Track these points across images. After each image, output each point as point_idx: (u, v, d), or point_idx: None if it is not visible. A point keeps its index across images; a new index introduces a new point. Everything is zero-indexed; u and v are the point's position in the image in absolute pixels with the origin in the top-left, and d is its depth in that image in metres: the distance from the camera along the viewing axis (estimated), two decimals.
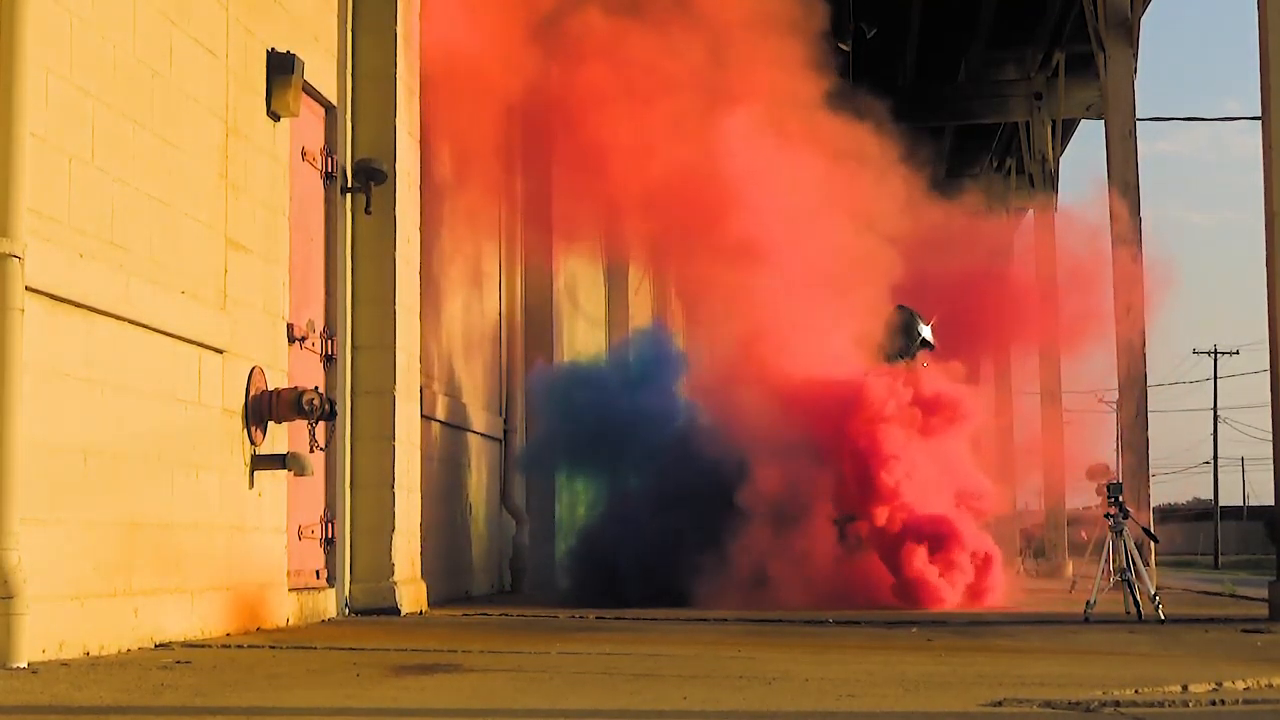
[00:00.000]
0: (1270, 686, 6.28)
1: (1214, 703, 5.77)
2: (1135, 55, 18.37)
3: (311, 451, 9.68)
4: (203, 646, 7.63)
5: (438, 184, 12.49)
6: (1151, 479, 17.85)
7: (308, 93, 9.89)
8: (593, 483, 15.39)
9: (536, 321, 16.72)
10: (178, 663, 6.75)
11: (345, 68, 10.65)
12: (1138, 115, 18.28)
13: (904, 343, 15.08)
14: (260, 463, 8.93)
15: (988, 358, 30.55)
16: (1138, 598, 11.05)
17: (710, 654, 7.64)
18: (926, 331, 15.37)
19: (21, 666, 6.24)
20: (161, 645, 7.55)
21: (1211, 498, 79.42)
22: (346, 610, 10.34)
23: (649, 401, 14.65)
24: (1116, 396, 18.66)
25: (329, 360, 10.37)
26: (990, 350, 27.96)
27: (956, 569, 13.19)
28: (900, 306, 15.41)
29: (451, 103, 12.38)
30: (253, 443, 8.87)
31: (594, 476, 15.27)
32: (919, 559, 13.10)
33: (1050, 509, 24.95)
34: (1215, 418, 77.98)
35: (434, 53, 11.68)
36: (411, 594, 10.73)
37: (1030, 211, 25.47)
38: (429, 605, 11.16)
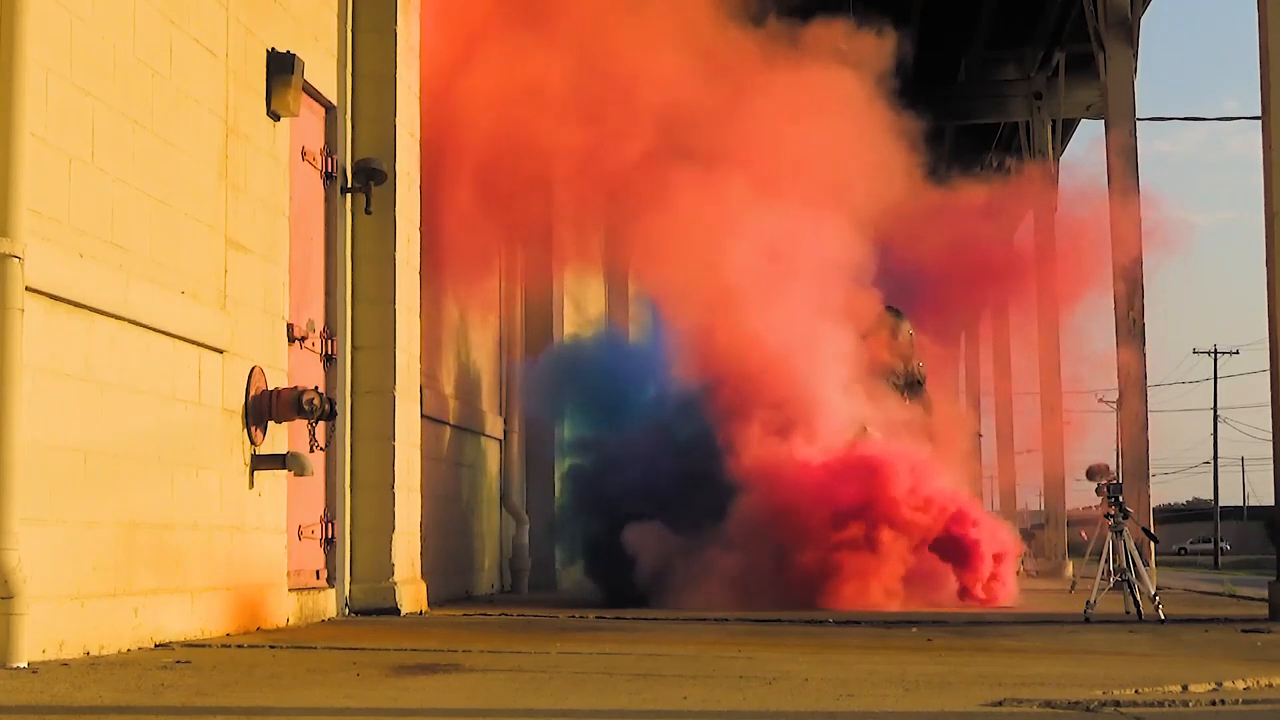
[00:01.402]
0: (1270, 686, 6.28)
1: (1214, 703, 5.77)
2: (1135, 55, 18.38)
3: (311, 451, 9.68)
4: (203, 646, 7.63)
5: (439, 185, 12.47)
6: (1151, 479, 17.85)
7: (308, 93, 9.89)
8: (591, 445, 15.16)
9: (536, 321, 16.73)
10: (178, 663, 6.75)
11: (345, 68, 10.65)
12: (1138, 115, 18.29)
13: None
14: (260, 463, 8.93)
15: (985, 343, 30.62)
16: (1138, 598, 11.05)
17: (710, 654, 7.64)
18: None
19: (21, 666, 6.24)
20: (161, 645, 7.54)
21: (1211, 498, 79.49)
22: (346, 610, 10.34)
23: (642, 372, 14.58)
24: (1116, 396, 18.67)
25: (329, 360, 10.37)
26: (981, 316, 27.99)
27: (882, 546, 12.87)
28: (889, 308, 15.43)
29: (452, 107, 12.37)
30: (253, 443, 8.87)
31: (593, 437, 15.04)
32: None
33: (1050, 509, 24.97)
34: (1215, 418, 78.04)
35: (435, 52, 11.67)
36: (411, 594, 10.73)
37: (1030, 212, 25.44)
38: (429, 605, 11.16)
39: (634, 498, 13.23)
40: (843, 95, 13.71)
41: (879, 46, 14.14)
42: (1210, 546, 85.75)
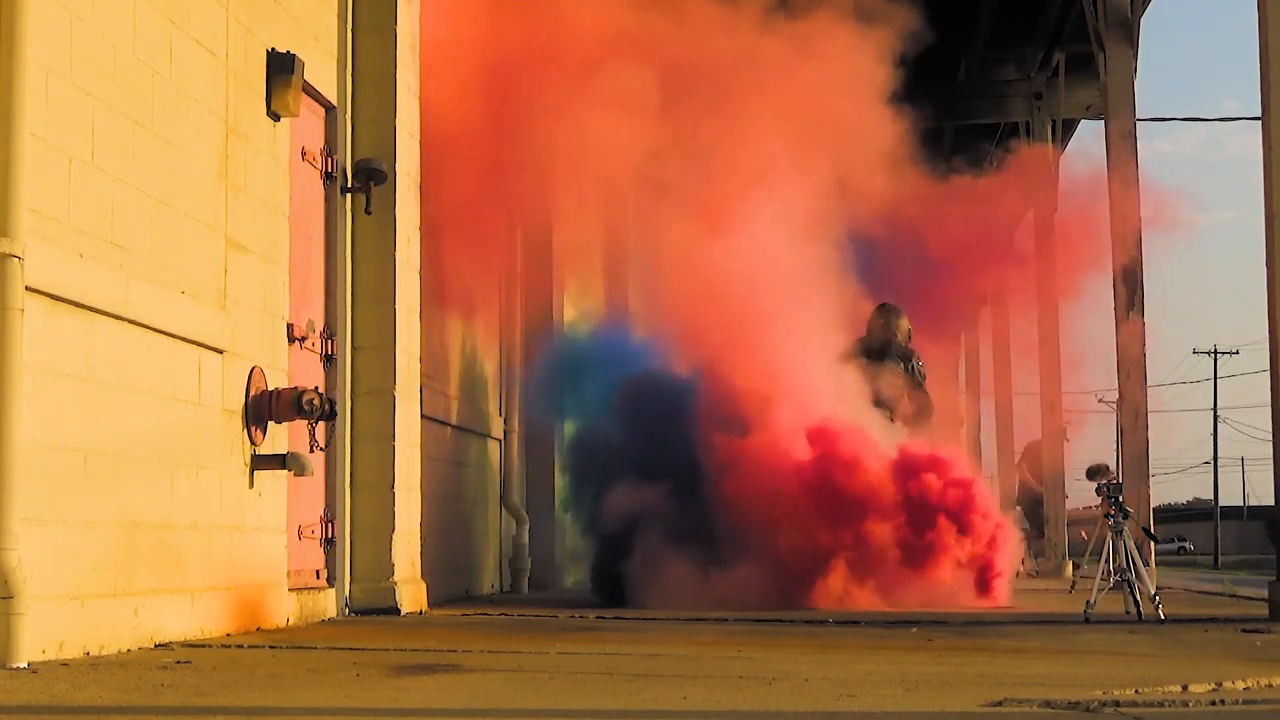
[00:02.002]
0: (1270, 686, 6.28)
1: (1214, 703, 5.77)
2: (1135, 55, 18.37)
3: (311, 451, 9.68)
4: (203, 646, 7.63)
5: (439, 185, 12.46)
6: (1151, 479, 17.84)
7: (308, 93, 9.89)
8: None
9: (537, 320, 16.71)
10: (178, 663, 6.75)
11: (345, 68, 10.65)
12: (1138, 115, 18.28)
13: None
14: (260, 463, 8.93)
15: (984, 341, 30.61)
16: (1138, 598, 11.05)
17: (710, 654, 7.64)
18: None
19: (21, 666, 6.25)
20: (161, 645, 7.55)
21: (1211, 497, 79.52)
22: (346, 610, 10.34)
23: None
24: (1116, 396, 18.66)
25: (329, 360, 10.37)
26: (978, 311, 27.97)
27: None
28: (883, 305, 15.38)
29: (451, 102, 12.35)
30: (253, 443, 8.87)
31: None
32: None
33: (1050, 509, 24.95)
34: (1215, 418, 78.08)
35: (433, 47, 11.66)
36: (411, 594, 10.73)
37: (1030, 212, 25.43)
38: (429, 605, 11.16)
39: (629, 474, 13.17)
40: (853, 48, 13.55)
41: (904, 17, 14.01)
42: (1174, 546, 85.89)
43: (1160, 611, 10.92)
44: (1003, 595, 13.34)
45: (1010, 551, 13.70)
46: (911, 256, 19.62)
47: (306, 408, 9.10)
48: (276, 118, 9.33)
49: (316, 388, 9.54)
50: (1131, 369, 17.73)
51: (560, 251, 16.94)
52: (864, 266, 14.79)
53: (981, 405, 30.56)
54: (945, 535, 12.88)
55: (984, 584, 13.16)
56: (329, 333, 10.38)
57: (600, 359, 15.31)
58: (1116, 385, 18.02)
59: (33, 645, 6.40)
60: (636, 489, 13.01)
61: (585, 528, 14.05)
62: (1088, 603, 11.05)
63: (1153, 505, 18.07)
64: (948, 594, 12.86)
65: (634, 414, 13.60)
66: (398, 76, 10.82)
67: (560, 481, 16.33)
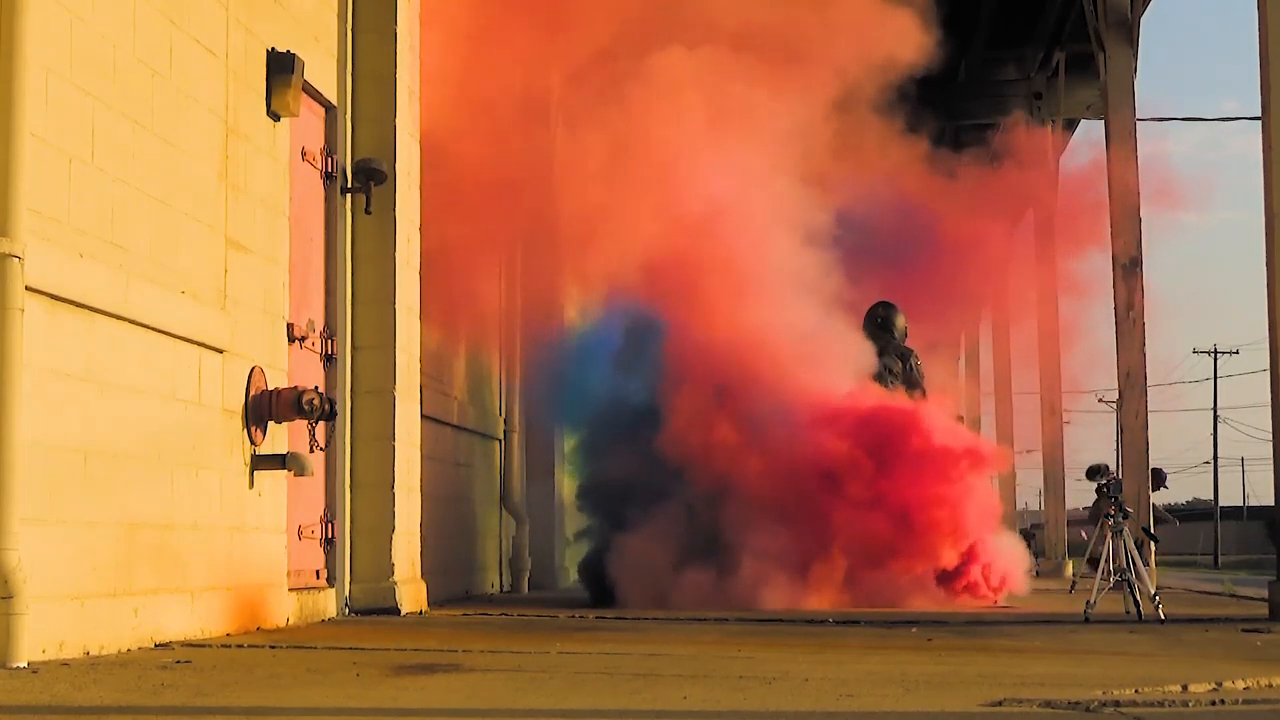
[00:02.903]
0: (1270, 686, 6.28)
1: (1214, 703, 5.77)
2: (1135, 55, 18.37)
3: (311, 451, 9.68)
4: (203, 646, 7.63)
5: (439, 185, 12.45)
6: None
7: (308, 93, 9.89)
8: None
9: (536, 319, 16.69)
10: (178, 663, 6.75)
11: (345, 68, 10.65)
12: (1138, 115, 18.28)
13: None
14: (260, 463, 8.93)
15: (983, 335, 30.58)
16: (1138, 598, 11.05)
17: (710, 654, 7.65)
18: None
19: (21, 666, 6.25)
20: (161, 645, 7.55)
21: (1211, 498, 79.46)
22: (346, 610, 10.34)
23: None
24: (1116, 396, 18.66)
25: (329, 360, 10.37)
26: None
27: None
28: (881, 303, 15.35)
29: (453, 104, 12.34)
30: (253, 443, 8.87)
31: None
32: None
33: (1050, 509, 24.97)
34: (1215, 418, 78.01)
35: (435, 51, 11.65)
36: (411, 594, 10.73)
37: (1030, 211, 25.43)
38: (429, 605, 11.17)
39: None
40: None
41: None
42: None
43: (1160, 611, 10.93)
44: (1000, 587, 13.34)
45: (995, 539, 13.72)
46: (910, 248, 19.63)
47: (306, 408, 9.10)
48: (276, 118, 9.33)
49: (316, 388, 9.54)
50: (1132, 368, 17.72)
51: (561, 250, 16.89)
52: (860, 258, 14.78)
53: (982, 405, 30.54)
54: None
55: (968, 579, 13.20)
56: (329, 332, 10.38)
57: (601, 357, 15.30)
58: (1116, 385, 18.02)
59: (33, 645, 6.40)
60: (632, 450, 13.03)
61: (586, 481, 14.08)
62: (1088, 603, 11.06)
63: (1152, 505, 18.07)
64: (927, 576, 12.90)
65: (631, 372, 13.64)
66: (398, 76, 10.82)
67: (565, 479, 16.36)
